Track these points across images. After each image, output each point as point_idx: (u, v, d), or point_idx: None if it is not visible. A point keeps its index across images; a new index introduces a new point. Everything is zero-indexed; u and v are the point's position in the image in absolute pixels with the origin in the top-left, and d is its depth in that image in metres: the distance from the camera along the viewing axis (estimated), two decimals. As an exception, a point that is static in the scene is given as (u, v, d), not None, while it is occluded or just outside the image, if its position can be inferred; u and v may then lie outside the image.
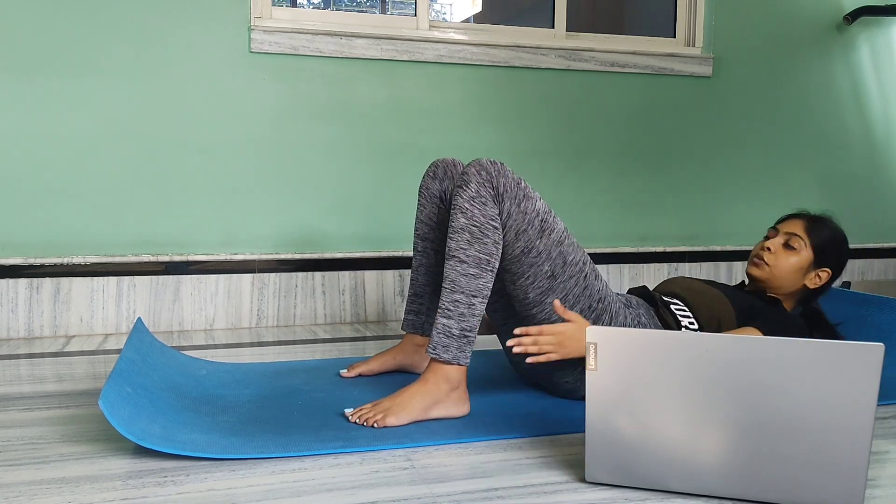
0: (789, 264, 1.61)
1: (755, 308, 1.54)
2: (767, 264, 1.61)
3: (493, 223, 1.37)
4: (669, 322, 1.52)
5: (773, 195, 2.79)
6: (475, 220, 1.36)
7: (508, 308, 1.51)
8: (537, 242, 1.38)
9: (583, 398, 1.48)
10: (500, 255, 1.38)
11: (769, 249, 1.61)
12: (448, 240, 1.39)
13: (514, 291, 1.42)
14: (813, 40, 2.80)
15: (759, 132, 2.77)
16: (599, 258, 2.56)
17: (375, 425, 1.32)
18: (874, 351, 0.95)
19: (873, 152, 2.92)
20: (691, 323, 1.52)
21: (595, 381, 1.06)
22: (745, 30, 2.71)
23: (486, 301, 1.40)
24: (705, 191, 2.72)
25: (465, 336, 1.37)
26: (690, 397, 1.03)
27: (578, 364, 1.42)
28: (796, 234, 1.61)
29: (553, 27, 2.57)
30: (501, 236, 1.38)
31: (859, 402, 0.96)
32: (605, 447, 1.07)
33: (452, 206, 1.39)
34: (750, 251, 1.71)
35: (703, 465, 1.04)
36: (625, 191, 2.62)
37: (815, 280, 1.63)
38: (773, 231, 1.66)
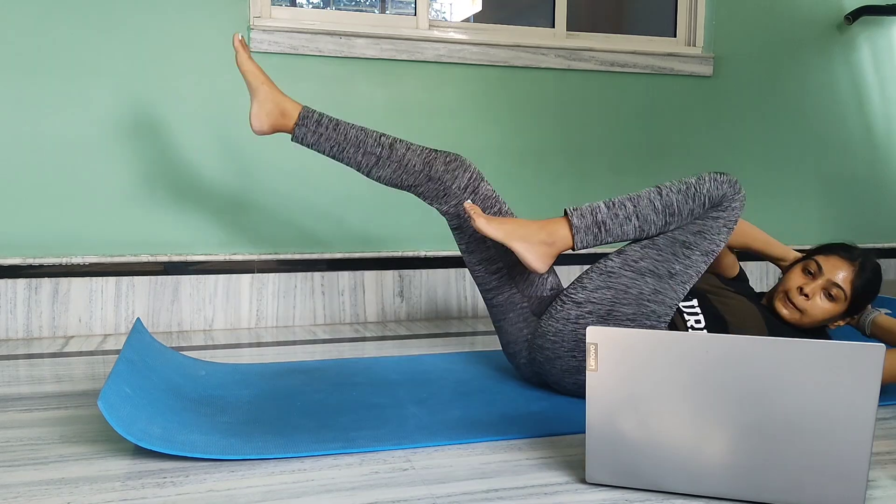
0: (823, 312, 1.53)
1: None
2: (800, 310, 1.53)
3: (700, 218, 1.42)
4: (676, 321, 1.51)
5: (774, 195, 2.78)
6: (702, 195, 1.40)
7: (510, 286, 1.52)
8: (697, 255, 1.43)
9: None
10: (677, 231, 1.43)
11: (807, 296, 1.52)
12: (672, 182, 1.43)
13: (632, 246, 1.45)
14: (814, 40, 2.80)
15: (759, 132, 2.76)
16: (599, 258, 2.56)
17: (471, 216, 1.40)
18: (875, 351, 0.95)
19: (874, 152, 2.92)
20: (697, 322, 1.51)
21: (595, 382, 1.05)
22: (746, 29, 2.71)
23: (631, 238, 1.44)
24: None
25: (601, 230, 1.41)
26: (691, 398, 1.02)
27: (582, 366, 1.42)
28: (840, 287, 1.51)
29: (553, 27, 2.56)
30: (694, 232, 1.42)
31: (860, 403, 0.96)
32: (606, 448, 1.07)
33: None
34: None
35: (703, 466, 1.03)
36: (625, 190, 2.62)
37: (838, 324, 1.59)
38: (816, 267, 1.54)
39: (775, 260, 1.68)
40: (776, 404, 0.99)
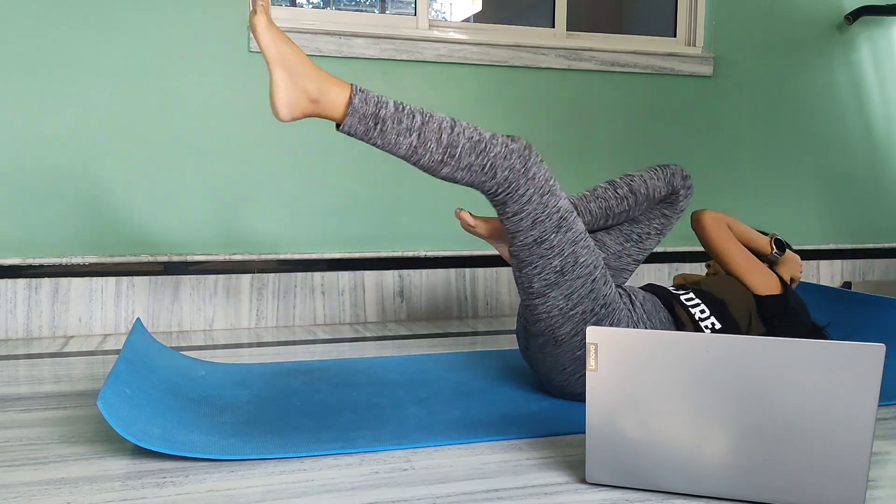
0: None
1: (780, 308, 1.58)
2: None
3: (496, 157, 1.31)
4: (683, 318, 1.51)
5: (774, 195, 2.78)
6: (484, 156, 1.30)
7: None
8: (552, 236, 1.36)
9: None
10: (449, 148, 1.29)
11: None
12: (464, 124, 1.32)
13: (520, 279, 1.42)
14: (814, 40, 2.80)
15: (759, 132, 2.76)
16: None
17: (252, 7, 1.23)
18: (875, 351, 0.94)
19: (874, 152, 2.92)
20: (703, 311, 1.52)
21: (595, 382, 1.05)
22: (746, 29, 2.71)
23: (400, 155, 1.29)
24: (705, 190, 2.71)
25: (376, 126, 1.26)
26: (691, 398, 1.02)
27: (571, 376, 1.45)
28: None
29: (553, 27, 2.56)
30: (484, 151, 1.30)
31: (860, 403, 0.96)
32: (606, 448, 1.06)
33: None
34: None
35: (703, 466, 1.03)
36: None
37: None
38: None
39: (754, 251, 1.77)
40: (776, 404, 0.99)
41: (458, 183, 1.35)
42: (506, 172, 1.32)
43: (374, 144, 1.29)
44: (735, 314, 1.55)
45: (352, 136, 1.28)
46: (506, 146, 1.32)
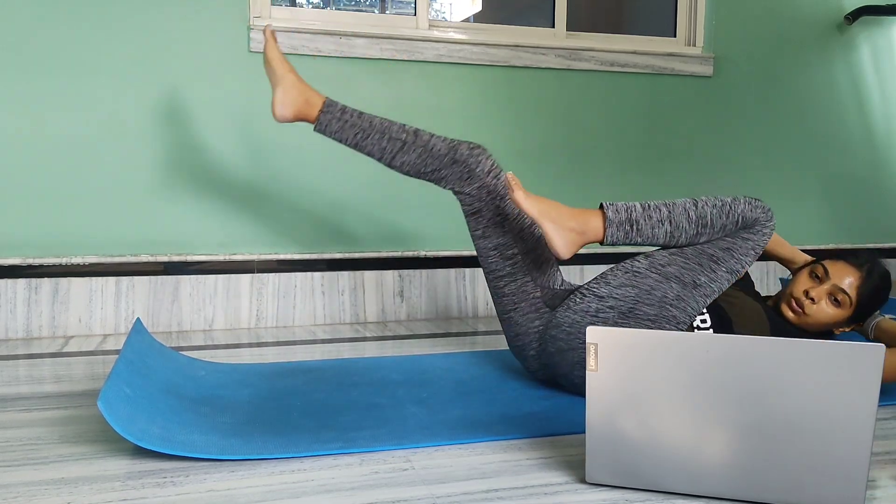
0: (828, 317, 1.53)
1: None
2: (805, 314, 1.54)
3: (730, 236, 1.44)
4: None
5: (774, 195, 2.78)
6: (735, 214, 1.42)
7: (524, 274, 1.56)
8: (723, 271, 1.44)
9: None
10: (701, 248, 1.45)
11: (813, 300, 1.52)
12: (708, 197, 1.46)
13: (660, 251, 1.48)
14: (814, 40, 2.80)
15: (759, 132, 2.76)
16: (599, 258, 2.56)
17: (511, 186, 1.41)
18: (875, 351, 0.95)
19: (874, 152, 2.92)
20: (703, 322, 1.51)
21: (595, 382, 1.05)
22: (746, 29, 2.71)
23: (660, 243, 1.46)
24: (706, 191, 2.71)
25: (632, 228, 1.43)
26: (691, 398, 1.02)
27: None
28: (845, 292, 1.51)
29: (553, 27, 2.56)
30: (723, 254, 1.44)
31: (860, 403, 0.96)
32: (606, 448, 1.06)
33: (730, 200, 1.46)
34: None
35: (703, 466, 1.03)
36: (625, 190, 2.62)
37: (843, 330, 1.59)
38: (823, 272, 1.54)
39: (784, 261, 1.70)
40: (776, 404, 0.99)
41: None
42: (758, 213, 1.43)
43: (635, 244, 1.46)
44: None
45: (615, 244, 1.46)
46: (748, 203, 1.44)
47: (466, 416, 1.39)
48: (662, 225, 1.43)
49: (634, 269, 1.46)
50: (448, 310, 2.44)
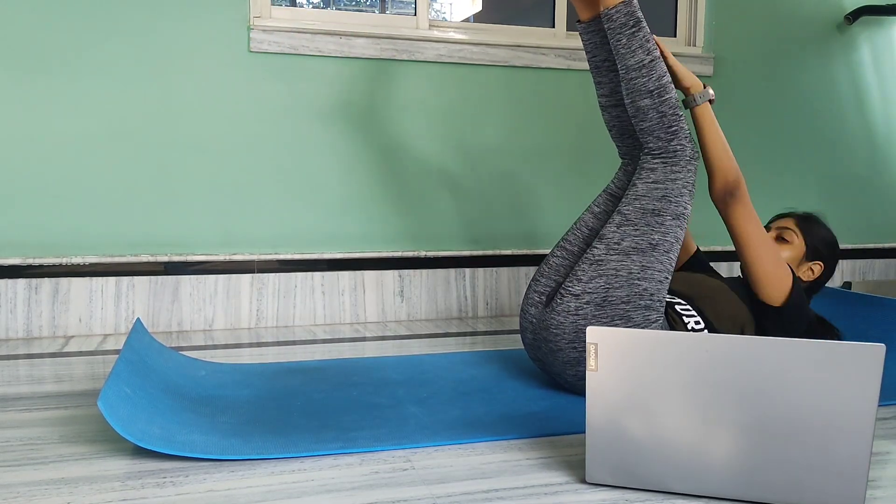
0: (786, 258, 1.69)
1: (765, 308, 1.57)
2: None
3: (657, 174, 1.51)
4: (676, 322, 1.52)
5: (773, 195, 2.78)
6: (675, 121, 1.53)
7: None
8: (669, 220, 1.48)
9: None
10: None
11: None
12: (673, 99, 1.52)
13: (609, 227, 1.50)
14: (814, 40, 2.80)
15: (759, 132, 2.76)
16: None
17: None
18: (875, 351, 0.94)
19: (874, 152, 2.92)
20: (697, 323, 1.52)
21: (595, 382, 1.05)
22: (746, 29, 2.71)
23: (627, 63, 1.52)
24: (706, 191, 2.71)
25: (636, 27, 1.53)
26: (691, 398, 1.02)
27: (582, 357, 1.44)
28: (788, 228, 1.73)
29: (553, 27, 2.56)
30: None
31: (860, 403, 0.96)
32: (606, 448, 1.06)
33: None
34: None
35: (703, 466, 1.03)
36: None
37: (808, 273, 1.71)
38: (767, 227, 1.72)
39: (682, 87, 1.66)
40: (776, 404, 0.99)
41: (644, 123, 1.52)
42: (684, 142, 1.51)
43: (616, 41, 1.53)
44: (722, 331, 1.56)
45: (611, 25, 1.54)
46: (687, 138, 1.52)
47: (466, 416, 1.39)
48: (647, 55, 1.51)
49: (596, 258, 1.47)
50: (448, 310, 2.44)
